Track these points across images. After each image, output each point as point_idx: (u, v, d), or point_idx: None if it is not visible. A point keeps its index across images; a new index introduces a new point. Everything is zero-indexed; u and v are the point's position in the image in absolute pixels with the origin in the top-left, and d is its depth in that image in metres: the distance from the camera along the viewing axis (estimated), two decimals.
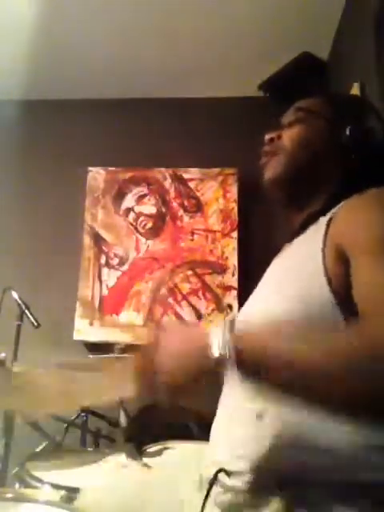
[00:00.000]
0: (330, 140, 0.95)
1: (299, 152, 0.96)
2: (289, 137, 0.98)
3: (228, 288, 2.52)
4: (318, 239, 0.81)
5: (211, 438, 0.90)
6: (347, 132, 0.93)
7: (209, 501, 0.77)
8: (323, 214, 0.87)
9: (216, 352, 0.65)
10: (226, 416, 0.88)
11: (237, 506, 0.76)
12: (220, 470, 0.77)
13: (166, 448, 1.43)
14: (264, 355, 0.65)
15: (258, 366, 0.65)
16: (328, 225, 0.82)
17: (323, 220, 0.85)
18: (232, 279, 2.52)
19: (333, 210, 0.85)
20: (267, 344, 0.65)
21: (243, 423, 0.81)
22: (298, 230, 0.93)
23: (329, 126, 0.96)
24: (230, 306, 2.47)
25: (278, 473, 0.74)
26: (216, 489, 0.78)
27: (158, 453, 1.39)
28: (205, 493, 0.77)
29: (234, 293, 2.49)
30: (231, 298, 2.49)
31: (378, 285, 0.68)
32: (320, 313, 0.76)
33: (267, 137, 1.01)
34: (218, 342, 0.65)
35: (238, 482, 0.77)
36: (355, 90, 1.83)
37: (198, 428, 1.38)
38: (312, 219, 0.90)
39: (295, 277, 0.83)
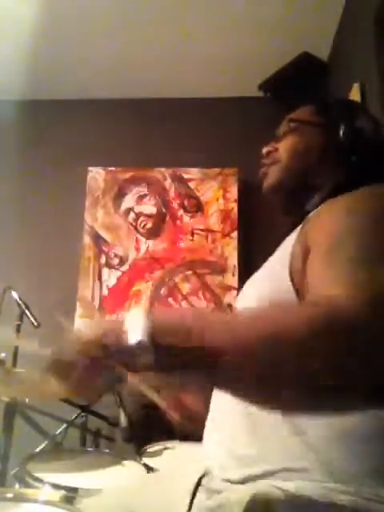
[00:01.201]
0: (324, 146, 0.98)
1: (294, 162, 1.00)
2: (284, 148, 1.02)
3: (228, 288, 2.52)
4: (292, 238, 0.84)
5: (203, 439, 0.91)
6: (340, 134, 0.96)
7: (199, 505, 0.76)
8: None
9: (132, 335, 0.58)
10: (216, 417, 0.88)
11: (224, 508, 0.75)
12: (203, 476, 0.77)
13: (165, 448, 1.43)
14: (187, 332, 0.58)
15: (181, 345, 0.58)
16: (303, 225, 0.84)
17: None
18: (232, 279, 2.52)
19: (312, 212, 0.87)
20: (191, 321, 0.60)
21: (234, 424, 0.81)
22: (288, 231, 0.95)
23: (321, 132, 0.99)
24: (230, 306, 2.47)
25: (269, 472, 0.74)
26: (201, 496, 0.77)
27: (158, 453, 1.39)
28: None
29: (234, 293, 2.49)
30: (231, 297, 2.49)
31: (322, 279, 0.69)
32: (281, 294, 0.80)
33: (264, 150, 1.05)
34: (134, 326, 0.58)
35: (227, 483, 0.76)
36: (355, 90, 1.83)
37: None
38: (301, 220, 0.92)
39: (268, 276, 0.88)
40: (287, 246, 0.85)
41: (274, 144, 1.05)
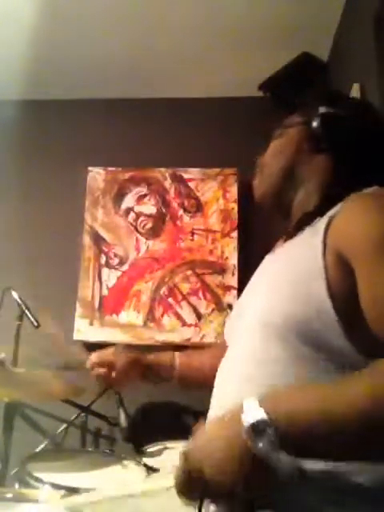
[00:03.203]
0: (299, 138, 0.97)
1: (274, 162, 1.00)
2: (267, 154, 1.03)
3: (228, 288, 2.52)
4: (317, 243, 0.79)
5: None
6: (311, 123, 0.94)
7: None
8: (320, 214, 0.85)
9: (260, 449, 0.62)
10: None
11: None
12: None
13: (165, 448, 1.43)
14: (305, 438, 0.64)
15: (298, 445, 0.64)
16: (326, 228, 0.80)
17: (321, 222, 0.83)
18: (232, 279, 2.52)
19: (330, 212, 0.83)
20: (305, 423, 0.65)
21: None
22: (293, 231, 0.92)
23: (301, 128, 0.98)
24: (230, 306, 2.47)
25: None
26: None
27: (158, 453, 1.39)
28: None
29: (234, 293, 2.49)
30: (231, 297, 2.49)
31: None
32: (317, 317, 0.75)
33: (257, 158, 1.06)
34: (260, 436, 0.63)
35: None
36: (355, 90, 1.83)
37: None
38: (307, 220, 0.88)
39: (293, 280, 0.81)
40: (308, 255, 0.80)
41: (263, 153, 1.05)
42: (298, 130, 0.98)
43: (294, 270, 0.83)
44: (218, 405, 0.89)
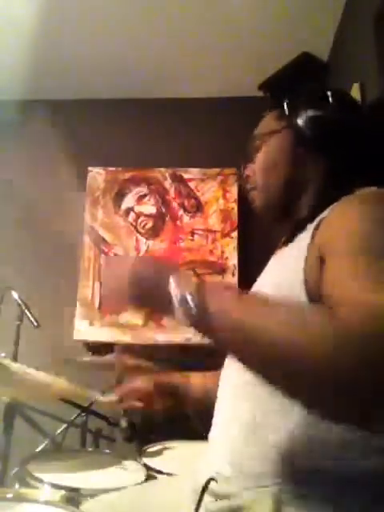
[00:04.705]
0: (290, 147, 0.95)
1: (269, 180, 0.97)
2: (256, 170, 1.00)
3: None
4: (304, 245, 0.79)
5: (209, 442, 0.90)
6: (300, 128, 0.92)
7: (206, 507, 0.76)
8: (310, 220, 0.85)
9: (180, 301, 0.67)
10: (221, 421, 0.88)
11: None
12: (211, 479, 0.76)
13: (165, 448, 1.43)
14: (226, 310, 0.65)
15: (216, 320, 0.65)
16: (314, 231, 0.80)
17: (311, 226, 0.83)
18: (232, 279, 2.52)
19: (321, 215, 0.82)
20: (232, 301, 0.67)
21: (237, 430, 0.80)
22: (288, 238, 0.92)
23: (285, 135, 0.96)
24: None
25: (273, 479, 0.73)
26: (207, 497, 0.77)
27: (158, 453, 1.39)
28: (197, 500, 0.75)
29: None
30: None
31: (342, 282, 0.65)
32: None
33: (244, 175, 1.04)
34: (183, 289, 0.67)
35: (230, 489, 0.76)
36: (355, 90, 1.83)
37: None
38: (299, 227, 0.88)
39: (278, 282, 0.83)
40: (293, 260, 0.80)
41: (250, 166, 1.02)
42: (286, 136, 0.95)
43: (279, 273, 0.85)
44: (217, 408, 0.89)
